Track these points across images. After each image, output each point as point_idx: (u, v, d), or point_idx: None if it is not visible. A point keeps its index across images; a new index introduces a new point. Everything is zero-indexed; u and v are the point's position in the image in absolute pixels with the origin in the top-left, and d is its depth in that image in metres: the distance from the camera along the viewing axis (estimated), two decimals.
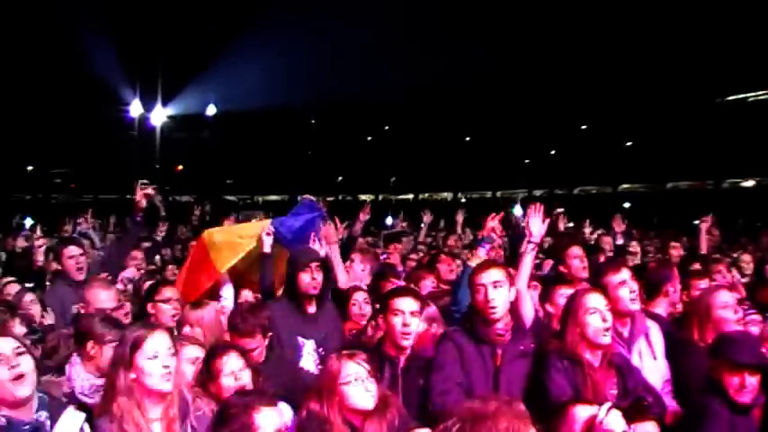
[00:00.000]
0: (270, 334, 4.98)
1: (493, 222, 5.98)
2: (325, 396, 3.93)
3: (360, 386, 3.90)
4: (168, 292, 5.81)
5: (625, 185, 37.71)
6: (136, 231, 7.71)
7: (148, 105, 28.52)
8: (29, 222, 18.83)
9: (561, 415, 3.69)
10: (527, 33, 28.68)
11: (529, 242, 5.25)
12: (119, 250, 7.82)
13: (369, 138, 43.04)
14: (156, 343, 3.65)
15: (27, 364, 3.51)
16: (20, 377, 3.45)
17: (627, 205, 31.76)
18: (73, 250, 6.83)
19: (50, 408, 3.62)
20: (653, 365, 4.94)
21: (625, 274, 5.10)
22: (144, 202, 7.20)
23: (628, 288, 5.01)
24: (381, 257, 9.35)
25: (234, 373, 4.13)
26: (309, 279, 5.74)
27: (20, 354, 3.51)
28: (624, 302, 4.94)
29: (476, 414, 2.27)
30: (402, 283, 6.42)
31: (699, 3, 25.86)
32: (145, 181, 7.30)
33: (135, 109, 28.24)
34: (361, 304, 6.16)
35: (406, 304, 4.69)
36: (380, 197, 41.73)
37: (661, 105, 31.00)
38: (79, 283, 6.47)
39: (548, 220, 5.39)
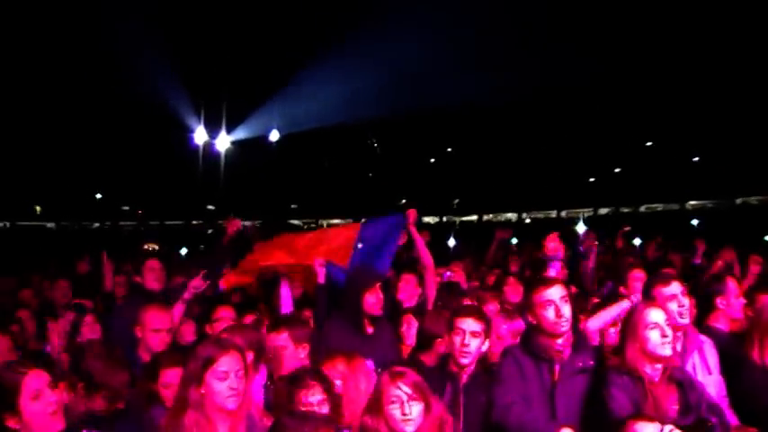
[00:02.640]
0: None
1: (553, 242, 5.96)
2: (375, 411, 3.95)
3: (397, 410, 3.89)
4: (224, 312, 5.89)
5: (693, 202, 37.09)
6: (222, 254, 7.91)
7: (213, 132, 28.93)
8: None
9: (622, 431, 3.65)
10: (588, 51, 28.47)
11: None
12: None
13: (432, 159, 43.07)
14: (228, 363, 3.72)
15: (61, 396, 3.73)
16: (56, 412, 3.66)
17: (695, 222, 31.22)
18: (154, 264, 7.07)
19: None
20: (708, 380, 4.84)
21: (675, 287, 5.02)
22: (233, 233, 7.71)
23: (677, 302, 4.93)
24: (446, 275, 9.33)
25: (313, 405, 4.10)
26: (375, 299, 5.79)
27: (54, 387, 3.71)
28: (672, 316, 4.85)
29: None
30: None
31: (765, 15, 25.37)
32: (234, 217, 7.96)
33: (200, 136, 28.66)
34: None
35: (468, 324, 4.72)
36: (444, 219, 41.73)
37: (728, 119, 30.42)
38: (155, 294, 6.71)
39: None
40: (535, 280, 5.09)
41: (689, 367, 4.86)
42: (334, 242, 7.15)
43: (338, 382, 4.37)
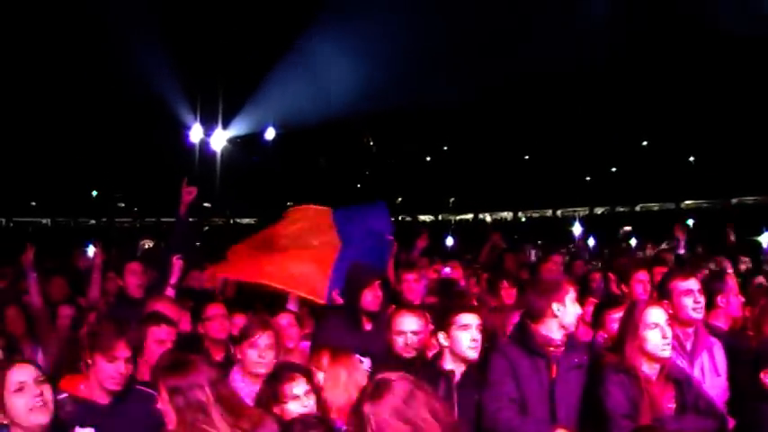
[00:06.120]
0: None
1: None
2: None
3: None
4: (215, 309, 5.84)
5: (688, 201, 37.12)
6: (181, 228, 7.48)
7: (208, 129, 28.86)
8: (91, 249, 19.21)
9: None
10: (586, 50, 28.46)
11: None
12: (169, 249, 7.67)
13: (428, 158, 43.04)
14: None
15: (47, 392, 3.62)
16: (41, 406, 3.57)
17: (690, 222, 31.24)
18: (136, 267, 6.84)
19: (59, 428, 3.72)
20: (716, 382, 4.79)
21: (693, 283, 4.96)
22: (187, 200, 7.19)
23: (692, 298, 4.88)
24: (443, 272, 9.30)
25: (299, 397, 4.08)
26: (372, 297, 5.75)
27: (41, 382, 3.62)
28: (686, 311, 4.80)
29: None
30: None
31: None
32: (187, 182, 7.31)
33: (195, 133, 28.56)
34: None
35: (472, 319, 4.68)
36: (440, 217, 41.73)
37: (724, 119, 30.44)
38: (138, 301, 6.42)
39: None
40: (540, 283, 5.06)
41: (697, 369, 4.79)
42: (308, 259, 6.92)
43: (321, 375, 4.38)
